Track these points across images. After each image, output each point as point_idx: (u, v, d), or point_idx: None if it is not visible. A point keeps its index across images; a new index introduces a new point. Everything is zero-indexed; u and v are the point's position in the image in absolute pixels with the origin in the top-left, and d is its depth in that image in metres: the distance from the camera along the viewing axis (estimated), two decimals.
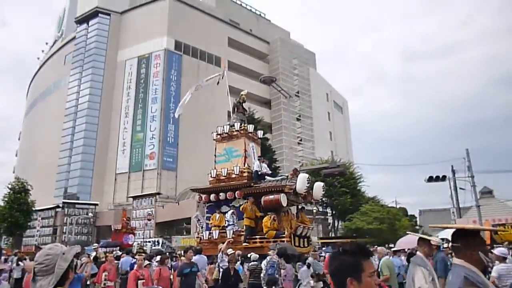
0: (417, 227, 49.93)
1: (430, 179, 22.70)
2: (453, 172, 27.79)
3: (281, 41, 56.45)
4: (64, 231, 36.11)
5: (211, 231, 12.92)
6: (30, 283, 2.18)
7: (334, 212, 38.01)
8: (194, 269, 7.54)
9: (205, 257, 10.32)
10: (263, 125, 32.51)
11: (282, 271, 8.63)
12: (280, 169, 30.07)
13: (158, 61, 42.33)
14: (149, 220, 28.00)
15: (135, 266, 8.15)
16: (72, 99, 47.03)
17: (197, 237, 23.05)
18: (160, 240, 24.55)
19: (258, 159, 13.94)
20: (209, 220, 13.54)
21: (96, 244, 18.86)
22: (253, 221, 12.44)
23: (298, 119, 55.38)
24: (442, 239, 10.53)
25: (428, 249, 4.71)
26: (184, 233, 32.27)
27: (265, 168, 13.87)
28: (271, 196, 12.09)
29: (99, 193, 42.16)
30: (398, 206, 47.76)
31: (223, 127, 14.52)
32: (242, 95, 15.25)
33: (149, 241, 24.04)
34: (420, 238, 4.80)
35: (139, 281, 7.31)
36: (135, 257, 11.21)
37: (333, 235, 39.95)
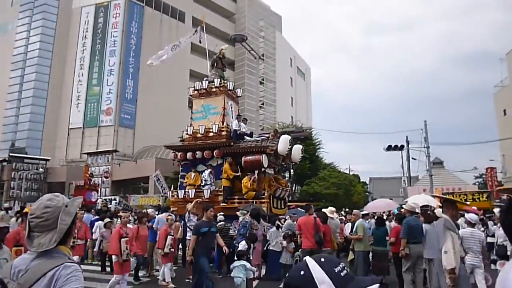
0: (367, 193, 52.25)
1: (389, 147, 23.50)
2: (407, 142, 28.95)
3: (249, 0, 54.67)
4: (12, 186, 34.30)
5: (187, 190, 12.50)
6: (20, 233, 1.82)
7: (292, 176, 38.77)
8: (213, 230, 7.06)
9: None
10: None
11: (254, 231, 8.55)
12: None
13: (117, 11, 39.63)
14: (106, 177, 27.11)
15: (117, 224, 7.70)
16: (21, 45, 43.37)
17: (163, 196, 22.57)
18: (117, 198, 23.91)
19: (237, 118, 13.52)
20: (184, 178, 13.05)
21: None
22: (230, 182, 12.19)
23: (261, 83, 54.81)
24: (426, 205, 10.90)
25: (455, 211, 4.77)
26: (142, 192, 31.68)
27: (244, 128, 13.49)
28: (252, 157, 11.78)
29: (50, 148, 40.10)
30: (351, 173, 49.53)
31: (202, 82, 13.81)
32: (222, 49, 14.53)
33: (106, 199, 23.31)
34: (445, 201, 4.78)
35: (122, 239, 6.88)
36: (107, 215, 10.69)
37: (290, 199, 40.99)
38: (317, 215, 8.65)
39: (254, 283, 8.84)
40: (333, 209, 10.43)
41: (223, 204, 11.83)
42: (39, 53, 42.02)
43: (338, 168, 41.48)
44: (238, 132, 12.88)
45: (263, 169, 12.25)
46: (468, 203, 20.15)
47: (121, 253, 6.82)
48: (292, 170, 14.43)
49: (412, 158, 31.13)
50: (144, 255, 8.68)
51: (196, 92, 13.84)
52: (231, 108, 13.67)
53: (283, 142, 12.20)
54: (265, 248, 9.55)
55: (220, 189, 12.23)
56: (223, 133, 12.88)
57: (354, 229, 8.62)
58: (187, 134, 13.55)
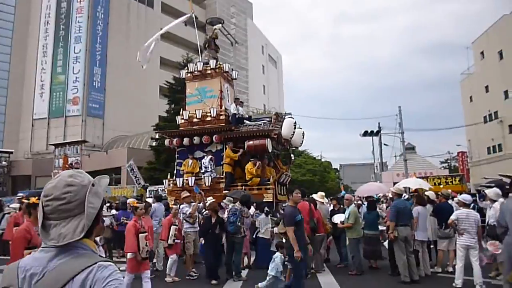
0: (338, 180, 53.09)
1: (365, 133, 23.78)
2: (380, 128, 29.46)
3: None
4: None
5: (186, 178, 11.88)
6: (31, 230, 1.37)
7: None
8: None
9: (163, 205, 9.57)
10: None
11: (245, 219, 8.25)
12: None
13: None
14: (76, 168, 25.83)
15: (132, 216, 6.78)
16: None
17: (137, 186, 21.72)
18: None
19: (235, 101, 12.96)
20: (181, 166, 12.43)
21: (22, 194, 16.87)
22: (232, 168, 11.68)
23: (233, 70, 54.14)
24: (404, 188, 10.92)
25: None
26: (114, 183, 30.65)
27: (241, 111, 12.94)
28: (257, 141, 11.29)
29: (13, 140, 38.04)
30: (323, 160, 50.10)
31: (196, 64, 13.10)
32: (214, 29, 13.88)
33: None
34: None
35: (140, 235, 5.99)
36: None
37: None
38: (309, 200, 8.46)
39: (244, 272, 8.59)
40: (323, 194, 10.28)
41: (226, 191, 11.29)
42: None
43: (311, 155, 41.85)
44: (237, 116, 12.34)
45: (267, 154, 11.85)
46: (441, 186, 20.73)
47: (139, 250, 5.94)
48: (292, 155, 14.03)
49: (384, 144, 31.80)
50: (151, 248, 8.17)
51: (189, 74, 13.16)
52: (227, 91, 13.12)
53: (288, 126, 11.77)
54: (254, 236, 9.30)
55: (221, 176, 11.68)
56: (222, 117, 12.30)
57: (346, 215, 8.49)
58: (182, 119, 12.84)
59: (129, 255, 6.13)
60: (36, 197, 4.50)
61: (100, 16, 38.33)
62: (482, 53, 37.86)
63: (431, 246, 9.02)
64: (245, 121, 12.58)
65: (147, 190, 21.01)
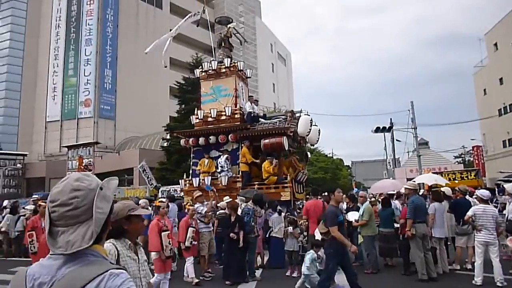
0: (350, 177, 52.75)
1: (377, 129, 23.50)
2: (392, 124, 29.07)
3: None
4: None
5: (202, 178, 11.83)
6: (41, 237, 1.31)
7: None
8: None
9: (176, 206, 9.56)
10: None
11: (258, 219, 8.19)
12: None
13: None
14: (89, 170, 26.11)
15: (154, 215, 6.76)
16: None
17: (150, 186, 21.78)
18: None
19: (249, 100, 12.91)
20: (196, 166, 12.37)
21: (36, 196, 17.08)
22: (249, 167, 11.60)
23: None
24: (419, 184, 10.74)
25: None
26: (126, 184, 30.88)
27: (256, 110, 12.86)
28: (273, 139, 11.18)
29: (27, 143, 38.59)
30: (335, 157, 49.81)
31: (210, 63, 13.04)
32: (229, 28, 13.81)
33: None
34: None
35: (163, 233, 5.99)
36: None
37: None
38: (323, 199, 8.36)
39: (258, 272, 8.53)
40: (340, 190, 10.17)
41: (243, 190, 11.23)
42: (10, 44, 40.12)
43: (323, 152, 41.64)
44: (252, 115, 12.24)
45: (283, 152, 11.79)
46: (456, 181, 20.35)
47: (163, 249, 5.93)
48: (309, 153, 13.89)
49: (397, 140, 31.41)
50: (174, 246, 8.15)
51: (204, 73, 13.11)
52: (242, 89, 13.06)
53: (304, 123, 11.63)
54: (267, 235, 9.23)
55: (238, 175, 11.61)
56: (237, 116, 12.20)
57: (361, 213, 8.37)
58: (197, 118, 12.78)
59: (153, 254, 6.13)
60: None
61: (110, 18, 38.60)
62: (495, 44, 37.14)
63: (449, 243, 8.85)
64: (260, 119, 12.47)
65: (160, 190, 21.10)
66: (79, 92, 37.22)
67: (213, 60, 13.16)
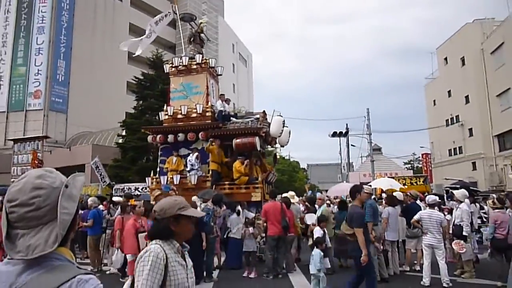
0: (306, 179, 53.79)
1: (334, 134, 24.13)
2: (348, 130, 30.02)
3: None
4: None
5: (170, 176, 11.49)
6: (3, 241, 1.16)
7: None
8: None
9: None
10: (168, 72, 30.45)
11: (217, 219, 8.09)
12: None
13: None
14: (38, 166, 24.68)
15: (132, 215, 6.27)
16: None
17: (103, 183, 20.95)
18: None
19: (221, 98, 12.67)
20: (164, 163, 12.02)
21: None
22: (219, 166, 11.38)
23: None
24: (374, 188, 11.07)
25: None
26: None
27: (227, 108, 12.62)
28: (245, 139, 11.06)
29: None
30: (291, 160, 50.56)
31: (181, 58, 12.65)
32: (201, 23, 13.51)
33: None
34: None
35: (139, 234, 5.65)
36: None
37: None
38: (282, 200, 8.42)
39: (215, 272, 8.44)
40: (293, 193, 10.28)
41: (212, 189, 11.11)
42: None
43: (280, 154, 42.14)
44: (223, 113, 12.05)
45: (255, 152, 11.67)
46: (406, 186, 21.32)
47: (139, 251, 5.69)
48: (277, 154, 13.84)
49: (352, 145, 32.46)
50: None
51: (174, 69, 12.75)
52: (213, 87, 12.83)
53: (277, 124, 11.58)
54: (225, 236, 9.16)
55: (207, 174, 11.38)
56: (208, 114, 11.97)
57: (318, 215, 8.51)
58: (166, 114, 12.40)
59: (129, 257, 5.74)
60: None
61: (66, 7, 36.84)
62: (445, 59, 39.36)
63: (399, 246, 9.22)
64: (231, 118, 12.33)
65: (113, 188, 20.37)
66: (29, 82, 35.17)
67: (184, 55, 12.89)
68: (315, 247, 6.49)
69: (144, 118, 26.07)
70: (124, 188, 19.28)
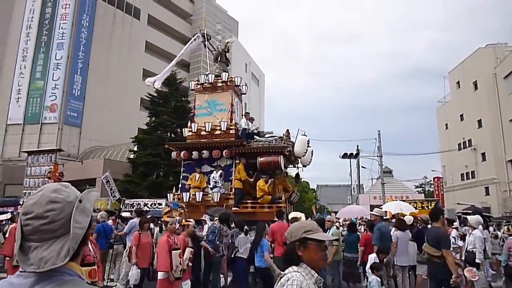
0: (315, 200, 53.35)
1: (345, 155, 24.04)
2: (358, 151, 29.87)
3: (207, 2, 54.10)
4: None
5: (193, 193, 11.45)
6: (15, 250, 1.20)
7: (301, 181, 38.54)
8: None
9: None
10: (182, 90, 30.92)
11: (224, 238, 8.05)
12: None
13: (67, 2, 37.19)
14: (49, 178, 24.98)
15: (164, 232, 6.26)
16: None
17: (113, 198, 21.16)
18: None
19: (245, 116, 12.72)
20: (187, 180, 11.99)
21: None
22: (242, 184, 11.30)
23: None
24: (385, 211, 10.97)
25: None
26: None
27: (251, 127, 12.54)
28: (270, 158, 10.97)
29: None
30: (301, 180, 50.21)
31: (207, 76, 12.82)
32: (227, 42, 13.76)
33: None
34: None
35: (173, 251, 5.51)
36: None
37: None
38: (290, 221, 8.36)
39: None
40: (301, 214, 10.20)
41: (235, 208, 10.91)
42: None
43: (290, 174, 42.00)
44: (247, 131, 12.06)
45: (277, 172, 11.61)
46: (417, 210, 21.00)
47: (172, 269, 5.43)
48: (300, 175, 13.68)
49: (362, 167, 32.23)
50: (147, 267, 7.63)
51: (199, 86, 12.86)
52: (237, 105, 12.92)
53: (302, 144, 11.48)
54: (232, 256, 9.08)
55: (230, 192, 11.32)
56: (232, 131, 11.96)
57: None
58: (190, 131, 12.43)
59: (160, 274, 5.58)
60: None
61: (85, 24, 37.91)
62: (458, 83, 39.26)
63: (409, 272, 9.04)
64: (255, 136, 12.32)
65: (123, 203, 20.46)
66: (46, 96, 35.97)
67: (209, 73, 13.08)
68: (371, 273, 6.26)
69: (156, 134, 26.38)
70: (133, 203, 19.35)
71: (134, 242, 6.99)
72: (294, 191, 12.35)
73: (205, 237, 7.85)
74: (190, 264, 7.16)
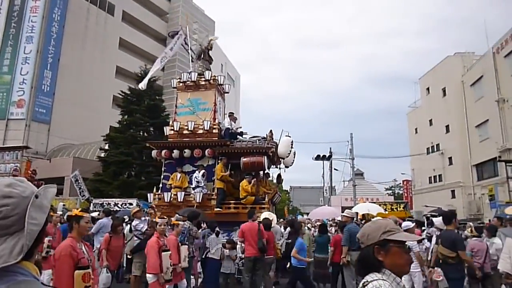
0: (288, 201, 53.73)
1: (317, 157, 24.34)
2: (331, 153, 30.33)
3: (184, 1, 53.60)
4: None
5: (174, 193, 11.20)
6: (76, 247, 1.12)
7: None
8: None
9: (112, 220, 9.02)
10: (156, 88, 30.49)
11: (195, 239, 7.97)
12: None
13: None
14: (14, 176, 24.03)
15: (155, 232, 5.96)
16: None
17: (82, 197, 20.53)
18: None
19: (229, 116, 12.53)
20: (167, 180, 11.72)
21: None
22: (224, 184, 11.17)
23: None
24: (357, 213, 11.14)
25: None
26: (56, 194, 28.84)
27: (234, 126, 12.41)
28: (253, 158, 10.85)
29: None
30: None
31: (190, 74, 12.54)
32: (211, 40, 13.47)
33: None
34: None
35: (163, 253, 5.34)
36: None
37: None
38: (262, 222, 8.39)
39: None
40: (273, 215, 10.25)
41: (217, 209, 10.79)
42: None
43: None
44: (230, 131, 11.90)
45: (260, 172, 11.51)
46: (386, 212, 21.51)
47: (162, 271, 5.27)
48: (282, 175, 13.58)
49: (335, 169, 32.73)
50: (115, 269, 7.42)
51: (182, 84, 12.57)
52: (220, 104, 12.75)
53: (285, 144, 11.44)
54: (203, 256, 9.03)
55: (213, 192, 11.15)
56: (215, 131, 11.79)
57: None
58: (171, 129, 12.15)
59: (150, 277, 5.35)
60: (79, 209, 3.85)
61: (56, 18, 36.78)
62: (428, 89, 40.48)
63: None
64: (238, 136, 12.19)
65: (92, 203, 19.97)
66: (13, 91, 34.64)
67: (191, 71, 12.87)
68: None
69: (129, 133, 25.90)
70: (103, 203, 18.92)
71: (104, 245, 6.83)
72: (276, 192, 12.37)
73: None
74: (187, 265, 7.04)
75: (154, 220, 8.48)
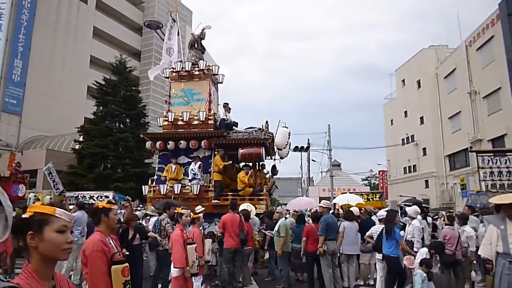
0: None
1: (295, 148, 24.53)
2: (309, 145, 30.61)
3: None
4: None
5: (170, 185, 10.96)
6: (106, 241, 1.05)
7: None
8: None
9: (86, 214, 8.81)
10: (132, 79, 29.85)
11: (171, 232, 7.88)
12: (149, 125, 28.33)
13: None
14: (16, 169, 23.15)
15: (177, 225, 5.63)
16: None
17: (56, 190, 20.00)
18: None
19: (224, 107, 12.29)
20: (162, 171, 11.46)
21: None
22: (221, 176, 11.00)
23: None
24: (334, 204, 11.27)
25: None
26: (28, 187, 28.02)
27: (230, 117, 12.14)
28: (251, 149, 10.70)
29: None
30: None
31: (184, 63, 12.22)
32: (204, 29, 13.06)
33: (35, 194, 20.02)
34: None
35: (189, 246, 5.11)
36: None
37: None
38: (241, 213, 8.39)
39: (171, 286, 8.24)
40: (251, 206, 10.27)
41: (216, 201, 10.64)
42: None
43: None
44: (226, 122, 11.70)
45: (259, 163, 11.36)
46: (363, 202, 21.90)
47: (188, 264, 5.03)
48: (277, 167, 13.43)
49: (313, 160, 33.07)
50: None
51: (175, 74, 12.24)
52: (214, 95, 12.49)
53: (283, 135, 11.31)
54: None
55: (209, 184, 10.98)
56: (210, 121, 11.55)
57: (276, 229, 8.55)
58: (166, 120, 11.86)
59: (175, 271, 5.13)
60: (106, 201, 3.67)
61: (26, 5, 35.39)
62: (403, 81, 41.22)
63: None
64: (234, 127, 12.01)
65: (65, 196, 19.50)
66: None
67: (186, 61, 12.56)
68: (418, 267, 6.22)
69: (104, 124, 25.36)
70: (78, 196, 18.51)
71: None
72: (274, 183, 12.35)
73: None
74: (209, 258, 6.85)
75: (133, 212, 8.37)
